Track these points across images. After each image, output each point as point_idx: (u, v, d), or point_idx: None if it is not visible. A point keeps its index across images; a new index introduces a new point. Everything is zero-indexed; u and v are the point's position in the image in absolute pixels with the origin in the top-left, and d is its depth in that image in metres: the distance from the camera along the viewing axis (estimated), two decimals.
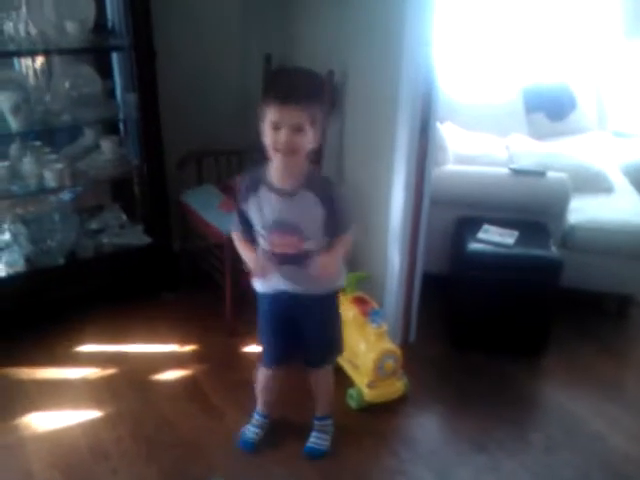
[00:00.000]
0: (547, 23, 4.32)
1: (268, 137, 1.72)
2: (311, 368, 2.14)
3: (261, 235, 1.87)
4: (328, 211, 1.81)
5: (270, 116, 1.69)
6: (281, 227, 1.82)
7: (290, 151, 1.71)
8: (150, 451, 2.15)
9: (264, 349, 2.11)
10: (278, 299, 1.98)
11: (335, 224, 1.84)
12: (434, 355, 2.73)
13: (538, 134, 3.92)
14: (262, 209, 1.82)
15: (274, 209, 1.81)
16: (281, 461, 2.14)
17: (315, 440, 2.18)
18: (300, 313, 2.00)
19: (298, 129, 1.69)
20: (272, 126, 1.69)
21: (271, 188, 1.80)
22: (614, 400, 2.50)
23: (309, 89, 1.75)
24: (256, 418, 2.22)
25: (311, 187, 1.80)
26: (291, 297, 1.95)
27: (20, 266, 2.72)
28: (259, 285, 1.99)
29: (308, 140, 1.72)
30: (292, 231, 1.82)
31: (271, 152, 1.74)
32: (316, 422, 2.21)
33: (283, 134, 1.68)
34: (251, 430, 2.20)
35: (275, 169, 1.79)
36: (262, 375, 2.16)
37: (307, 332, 2.04)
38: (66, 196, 2.97)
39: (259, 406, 2.22)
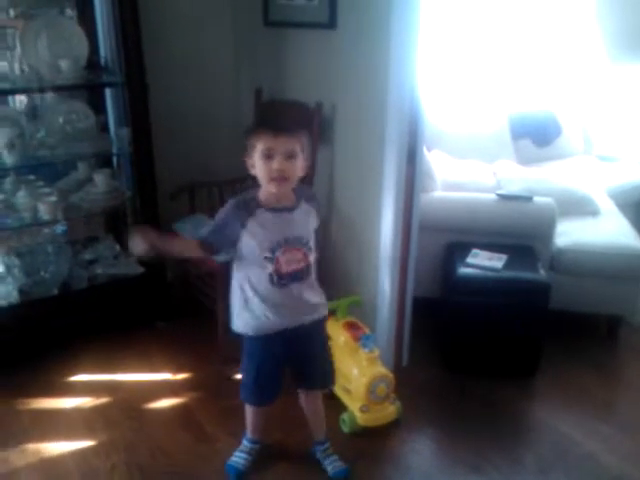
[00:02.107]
0: (532, 51, 4.44)
1: (260, 168, 1.78)
2: (311, 393, 2.14)
3: (264, 258, 1.83)
4: (318, 216, 1.94)
5: (261, 146, 1.75)
6: (290, 243, 1.85)
7: (284, 178, 1.77)
8: (143, 479, 2.16)
9: (252, 391, 2.07)
10: (274, 341, 1.95)
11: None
12: (426, 379, 2.75)
13: (525, 160, 4.01)
14: (265, 229, 1.82)
15: (280, 226, 1.84)
16: None
17: (334, 464, 2.17)
18: (298, 347, 2.00)
19: (290, 156, 1.76)
20: (264, 156, 1.75)
21: (269, 209, 1.84)
22: (606, 420, 2.51)
23: (297, 118, 1.82)
24: (245, 444, 2.22)
25: (302, 197, 1.90)
26: (289, 334, 1.94)
27: (14, 298, 2.74)
28: (253, 329, 1.94)
29: (299, 166, 1.80)
30: (299, 245, 1.86)
31: (265, 182, 1.79)
32: (321, 448, 2.20)
33: (277, 162, 1.75)
34: (239, 456, 2.20)
35: (270, 194, 1.83)
36: (250, 408, 2.15)
37: (307, 359, 2.05)
38: (59, 228, 3.00)
39: (249, 432, 2.22)
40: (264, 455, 2.24)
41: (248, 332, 1.96)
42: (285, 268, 1.85)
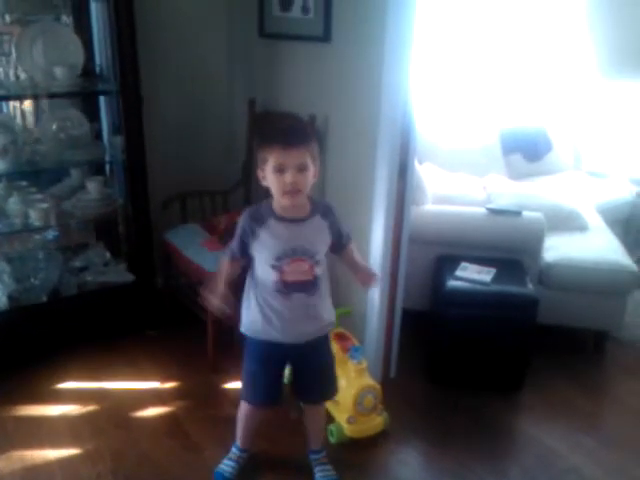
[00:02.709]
0: (524, 67, 4.49)
1: (273, 182, 1.80)
2: (312, 405, 2.15)
3: (271, 266, 1.87)
4: (333, 232, 1.94)
5: (273, 160, 1.77)
6: (297, 254, 1.87)
7: (297, 191, 1.79)
8: None
9: (253, 389, 2.09)
10: (274, 349, 1.98)
11: (340, 238, 1.98)
12: (414, 391, 2.76)
13: (515, 174, 4.05)
14: (276, 238, 1.85)
15: (289, 236, 1.86)
16: None
17: (325, 473, 2.19)
18: (297, 361, 2.05)
19: (302, 168, 1.78)
20: (276, 170, 1.77)
21: (280, 219, 1.86)
22: (591, 434, 2.53)
23: (306, 129, 1.87)
24: (234, 452, 2.23)
25: (318, 211, 1.91)
26: (288, 349, 1.98)
27: (3, 304, 2.74)
28: (254, 332, 1.98)
29: (311, 176, 1.83)
30: (306, 256, 1.88)
31: (278, 195, 1.81)
32: (316, 457, 2.22)
33: (289, 175, 1.76)
34: (227, 464, 2.20)
35: (282, 207, 1.85)
36: (245, 411, 2.15)
37: (309, 372, 2.07)
38: (50, 235, 3.00)
39: (239, 440, 2.23)
40: (252, 464, 2.24)
41: (249, 333, 2.00)
42: (290, 277, 1.88)
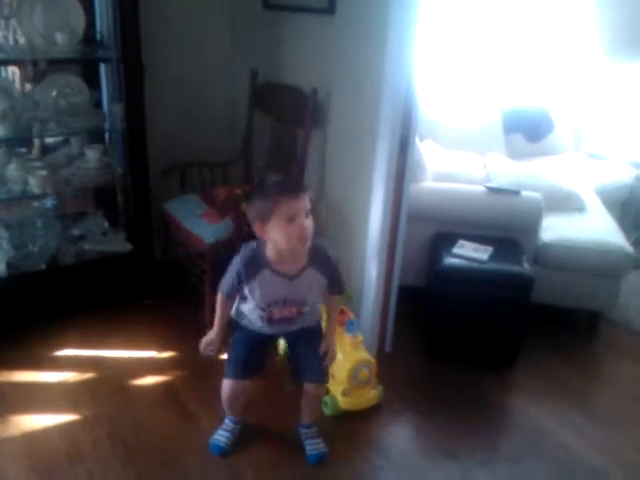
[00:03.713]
0: (527, 47, 4.45)
1: (284, 231, 1.80)
2: (312, 385, 2.16)
3: (260, 308, 1.96)
4: (327, 279, 1.99)
5: (284, 212, 1.78)
6: (287, 303, 1.96)
7: (308, 238, 1.83)
8: (126, 455, 2.18)
9: (231, 362, 2.13)
10: (261, 335, 2.08)
11: (331, 286, 2.03)
12: (408, 365, 2.79)
13: (516, 154, 4.04)
14: (266, 289, 1.92)
15: (282, 291, 1.92)
16: (253, 465, 2.17)
17: (314, 447, 2.23)
18: (294, 339, 2.13)
19: (309, 214, 1.84)
20: (289, 220, 1.79)
21: (274, 271, 1.90)
22: (582, 412, 2.57)
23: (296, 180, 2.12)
24: (227, 423, 2.27)
25: (313, 263, 1.94)
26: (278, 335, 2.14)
27: (1, 270, 2.74)
28: (243, 320, 2.07)
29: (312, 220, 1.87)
30: (296, 304, 1.97)
31: (288, 243, 1.82)
32: (306, 430, 2.26)
33: (301, 222, 1.80)
34: (222, 435, 2.24)
35: (281, 257, 1.88)
36: (227, 385, 2.16)
37: (305, 353, 2.12)
38: (49, 202, 3.00)
39: (228, 413, 2.26)
40: (245, 435, 2.28)
41: (237, 320, 2.09)
42: (276, 316, 1.98)
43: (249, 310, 2.01)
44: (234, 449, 2.23)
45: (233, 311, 2.08)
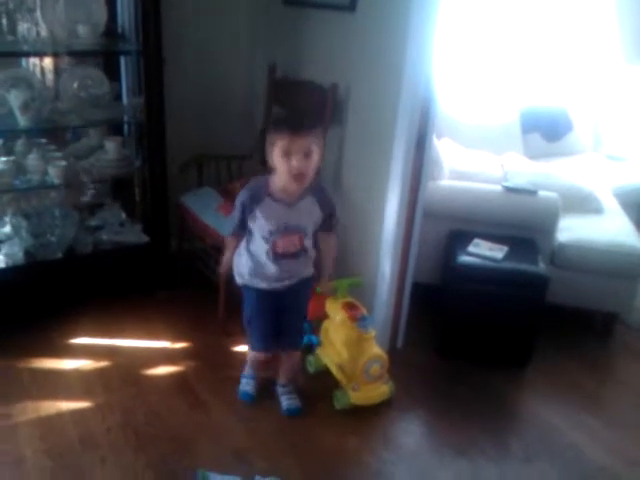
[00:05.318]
0: (548, 47, 4.43)
1: (279, 163, 1.94)
2: (291, 351, 2.36)
3: (264, 239, 2.07)
4: (323, 211, 2.11)
5: (280, 145, 1.91)
6: (289, 230, 2.06)
7: (302, 175, 1.93)
8: (138, 442, 2.21)
9: (256, 337, 2.29)
10: (269, 295, 2.19)
11: (329, 217, 2.15)
12: (420, 362, 2.79)
13: (533, 154, 4.02)
14: (270, 218, 2.03)
15: (282, 216, 2.03)
16: (265, 457, 2.19)
17: (290, 402, 2.41)
18: (285, 303, 2.23)
19: (307, 154, 1.92)
20: (283, 154, 1.91)
21: (276, 199, 2.02)
22: (594, 413, 2.55)
23: (313, 119, 2.07)
24: (247, 375, 2.49)
25: (311, 192, 2.06)
26: (281, 291, 2.19)
27: (20, 258, 2.78)
28: (253, 281, 2.18)
29: (315, 161, 1.96)
30: (297, 231, 2.08)
31: (284, 178, 1.95)
32: (283, 388, 2.44)
33: (295, 160, 1.90)
34: (248, 383, 2.47)
35: (283, 188, 2.00)
36: (255, 355, 2.37)
37: (287, 319, 2.26)
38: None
39: (248, 371, 2.50)
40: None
41: (241, 281, 2.22)
42: (281, 249, 2.08)
43: (255, 249, 2.10)
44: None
45: (236, 274, 2.21)
